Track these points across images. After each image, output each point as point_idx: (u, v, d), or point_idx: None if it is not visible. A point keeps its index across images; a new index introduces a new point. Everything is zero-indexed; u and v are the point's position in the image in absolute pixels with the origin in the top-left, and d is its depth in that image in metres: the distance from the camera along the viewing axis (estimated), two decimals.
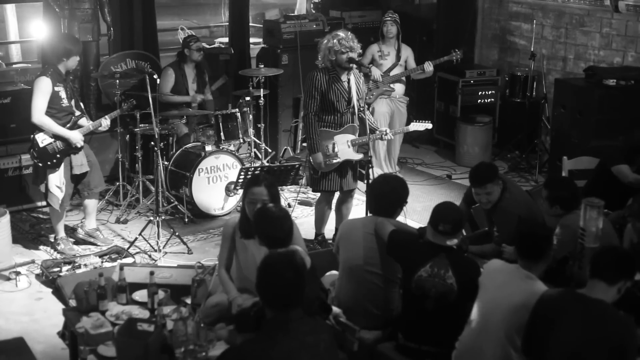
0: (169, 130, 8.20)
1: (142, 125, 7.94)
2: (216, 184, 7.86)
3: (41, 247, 7.20)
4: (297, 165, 7.17)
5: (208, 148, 7.85)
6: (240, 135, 8.13)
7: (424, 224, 6.32)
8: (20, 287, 6.41)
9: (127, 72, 8.50)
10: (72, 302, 5.15)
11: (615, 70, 8.58)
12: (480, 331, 4.28)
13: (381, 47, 8.72)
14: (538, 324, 3.96)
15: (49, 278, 6.41)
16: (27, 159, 7.58)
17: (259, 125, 8.60)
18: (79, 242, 7.22)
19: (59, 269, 6.49)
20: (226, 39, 10.87)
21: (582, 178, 6.63)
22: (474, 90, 9.99)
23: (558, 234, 5.07)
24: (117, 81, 7.92)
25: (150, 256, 6.97)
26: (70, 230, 7.35)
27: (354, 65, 6.61)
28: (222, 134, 7.99)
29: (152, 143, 7.39)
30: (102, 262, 6.64)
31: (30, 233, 7.53)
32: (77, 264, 6.54)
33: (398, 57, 8.71)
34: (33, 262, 6.76)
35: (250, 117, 8.33)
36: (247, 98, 8.40)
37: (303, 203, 8.30)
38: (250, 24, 10.62)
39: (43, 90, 6.67)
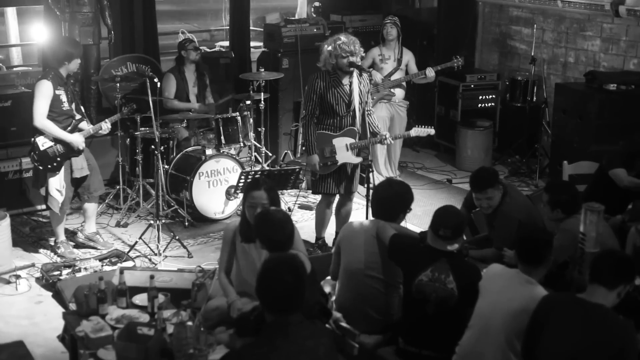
0: (170, 134, 8.20)
1: (143, 128, 7.94)
2: (216, 188, 7.86)
3: (41, 250, 7.20)
4: (297, 169, 7.17)
5: (208, 152, 7.85)
6: (241, 139, 8.13)
7: (424, 228, 6.32)
8: (21, 291, 6.40)
9: (127, 76, 8.51)
10: (72, 306, 5.15)
11: (616, 75, 8.58)
12: (480, 336, 4.28)
13: (382, 51, 8.72)
14: (538, 328, 3.96)
15: (49, 281, 6.41)
16: (27, 162, 7.57)
17: (259, 129, 8.60)
18: (79, 245, 7.22)
19: (59, 272, 6.49)
20: (227, 43, 10.88)
21: (582, 182, 6.63)
22: (475, 95, 9.99)
23: (558, 238, 5.07)
24: (118, 85, 7.92)
25: (150, 260, 6.97)
26: (70, 234, 7.35)
27: (355, 69, 6.60)
28: (222, 137, 7.99)
29: (153, 146, 7.39)
30: (102, 265, 6.65)
31: (30, 236, 7.53)
32: (77, 268, 6.54)
33: (399, 61, 8.72)
34: (33, 265, 6.76)
35: (251, 120, 8.33)
36: (248, 102, 8.40)
37: (303, 207, 8.31)
38: (251, 28, 10.64)
39: (44, 93, 6.67)
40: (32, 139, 6.77)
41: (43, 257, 7.06)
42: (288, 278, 3.57)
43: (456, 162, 9.88)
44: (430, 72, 8.57)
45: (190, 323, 4.35)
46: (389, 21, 8.71)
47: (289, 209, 8.03)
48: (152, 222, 7.25)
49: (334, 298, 5.18)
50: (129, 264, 6.73)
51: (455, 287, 4.50)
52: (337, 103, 6.61)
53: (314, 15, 10.30)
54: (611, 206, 5.55)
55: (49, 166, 6.75)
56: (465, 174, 9.06)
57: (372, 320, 4.99)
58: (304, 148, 7.49)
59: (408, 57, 8.83)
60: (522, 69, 10.00)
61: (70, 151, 6.80)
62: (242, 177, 7.05)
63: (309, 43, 9.24)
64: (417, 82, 8.90)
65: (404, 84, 8.80)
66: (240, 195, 7.47)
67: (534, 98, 9.61)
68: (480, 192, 5.70)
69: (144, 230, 7.22)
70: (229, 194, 7.88)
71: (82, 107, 7.22)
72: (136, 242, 7.11)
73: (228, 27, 10.94)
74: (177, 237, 7.22)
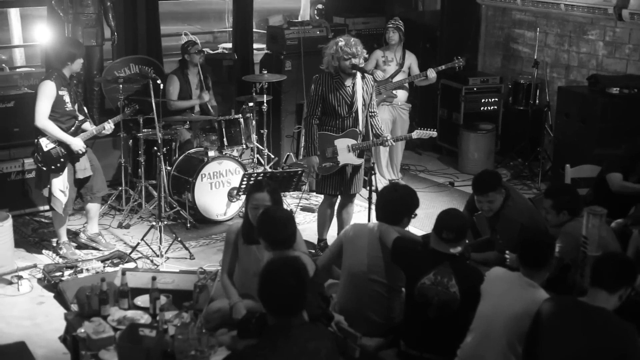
0: (172, 136, 8.21)
1: (145, 130, 7.94)
2: (219, 190, 7.86)
3: (43, 251, 7.19)
4: (299, 172, 7.17)
5: (211, 153, 7.85)
6: (243, 141, 8.14)
7: (426, 231, 6.34)
8: (22, 291, 6.41)
9: (130, 77, 8.51)
10: (74, 307, 5.15)
11: (619, 79, 8.57)
12: (482, 339, 4.28)
13: (385, 53, 8.73)
14: (540, 332, 3.95)
15: (51, 282, 6.42)
16: (29, 163, 7.59)
17: (262, 131, 8.60)
18: (81, 246, 7.22)
19: (61, 273, 6.49)
20: (230, 45, 10.89)
21: (585, 186, 6.63)
22: (477, 98, 9.99)
23: (560, 241, 5.07)
24: (121, 86, 7.93)
25: (152, 261, 6.97)
26: (73, 235, 7.36)
27: (357, 71, 6.60)
28: (225, 139, 7.99)
29: (155, 148, 7.39)
30: (104, 266, 6.65)
31: (32, 237, 7.53)
32: (79, 269, 6.54)
33: (401, 64, 8.72)
34: (35, 266, 6.76)
35: (253, 122, 8.34)
36: (250, 104, 8.41)
37: (305, 209, 8.31)
38: (254, 30, 10.64)
39: (47, 94, 6.68)
40: (36, 140, 6.77)
41: (45, 258, 7.06)
42: (290, 280, 3.57)
43: (458, 165, 9.88)
44: (432, 73, 8.57)
45: (192, 324, 4.35)
46: (391, 25, 8.72)
47: (291, 211, 8.03)
48: (154, 223, 7.26)
49: (334, 300, 5.18)
50: (131, 265, 6.73)
51: (457, 290, 4.49)
52: (340, 105, 6.61)
53: (317, 18, 10.32)
54: (613, 210, 5.55)
55: (53, 167, 6.76)
56: (468, 177, 9.06)
57: (373, 323, 4.99)
58: (304, 150, 7.47)
59: (411, 60, 8.83)
60: (525, 72, 10.00)
61: (73, 152, 6.80)
62: (245, 179, 7.06)
63: (311, 45, 9.25)
64: (418, 83, 8.90)
65: (406, 85, 8.80)
66: (243, 197, 7.48)
67: (537, 101, 9.60)
68: (482, 195, 5.70)
69: (146, 231, 7.23)
70: (231, 196, 7.88)
71: (84, 108, 7.22)
72: (138, 244, 7.12)
73: (231, 29, 10.96)
74: (179, 239, 7.22)
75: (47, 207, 7.33)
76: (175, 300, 5.02)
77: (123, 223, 7.82)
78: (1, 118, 7.89)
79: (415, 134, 7.05)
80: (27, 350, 4.95)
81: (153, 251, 7.10)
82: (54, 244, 7.20)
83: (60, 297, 6.13)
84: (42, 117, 6.68)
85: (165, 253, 7.06)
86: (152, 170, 8.00)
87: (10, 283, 6.50)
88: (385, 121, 8.57)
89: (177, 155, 8.12)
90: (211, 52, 10.34)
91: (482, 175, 5.92)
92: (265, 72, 8.63)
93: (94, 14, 8.61)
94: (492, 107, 10.05)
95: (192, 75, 8.64)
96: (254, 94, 8.47)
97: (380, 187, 7.42)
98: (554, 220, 5.38)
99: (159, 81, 7.28)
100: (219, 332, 4.61)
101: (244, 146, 8.23)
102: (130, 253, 6.98)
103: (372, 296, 5.01)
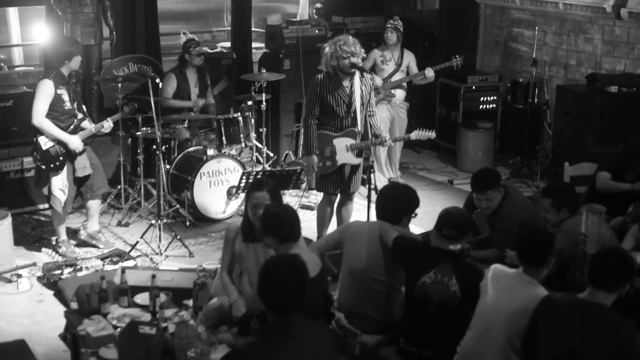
0: (171, 134, 8.21)
1: (144, 128, 7.94)
2: (218, 188, 7.87)
3: (43, 249, 7.20)
4: (298, 170, 7.18)
5: (210, 152, 7.86)
6: (242, 140, 8.14)
7: (425, 229, 6.35)
8: (22, 290, 6.41)
9: (129, 76, 8.51)
10: (74, 305, 5.15)
11: (617, 77, 8.59)
12: (482, 336, 4.29)
13: (383, 53, 8.73)
14: (539, 328, 3.96)
15: (50, 280, 6.42)
16: (29, 161, 7.59)
17: (260, 130, 8.60)
18: (80, 244, 7.23)
19: (60, 271, 6.49)
20: (228, 44, 10.89)
21: (583, 184, 6.64)
22: (476, 96, 9.99)
23: (558, 239, 5.07)
24: (119, 85, 7.93)
25: (151, 259, 6.97)
26: (72, 233, 7.36)
27: (356, 70, 6.60)
28: (223, 138, 7.99)
29: (154, 146, 7.39)
30: (103, 264, 6.65)
31: (31, 235, 7.53)
32: (78, 267, 6.55)
33: (399, 64, 8.72)
34: (34, 264, 6.77)
35: (252, 121, 8.34)
36: (249, 102, 8.41)
37: (304, 207, 8.31)
38: (253, 29, 10.64)
39: (45, 93, 6.68)
40: (35, 139, 6.77)
41: (44, 256, 7.07)
42: (290, 278, 3.58)
43: (457, 164, 9.89)
44: (430, 72, 8.57)
45: (192, 322, 4.35)
46: (389, 25, 8.72)
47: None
48: (153, 221, 7.26)
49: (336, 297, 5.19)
50: (131, 263, 6.74)
51: (457, 289, 4.50)
52: (338, 105, 6.61)
53: (316, 17, 10.31)
54: (612, 208, 5.56)
55: (52, 165, 6.76)
56: (466, 175, 9.07)
57: (373, 320, 4.99)
58: (303, 149, 7.47)
59: (409, 59, 8.83)
60: (523, 70, 10.01)
61: (72, 151, 6.80)
62: (244, 177, 7.06)
63: (310, 44, 9.25)
64: (417, 82, 8.90)
65: (404, 84, 8.81)
66: (242, 196, 7.49)
67: (536, 100, 9.62)
68: (480, 193, 5.71)
69: (145, 229, 7.23)
70: (230, 194, 7.88)
71: (83, 107, 7.22)
72: (137, 242, 7.12)
73: (230, 28, 10.95)
74: (178, 237, 7.22)
75: (46, 206, 7.33)
76: (174, 298, 5.02)
77: (122, 221, 7.83)
78: (0, 117, 7.89)
79: (414, 135, 7.03)
80: (27, 348, 4.95)
81: (152, 249, 7.11)
82: (54, 242, 7.21)
83: (59, 295, 6.14)
84: (39, 115, 6.68)
85: (165, 251, 7.07)
86: (151, 168, 7.99)
87: (10, 281, 6.50)
88: (383, 120, 8.57)
89: (176, 154, 8.12)
90: (210, 51, 10.33)
91: (481, 173, 5.93)
92: (264, 71, 8.63)
93: (93, 13, 8.61)
94: (490, 106, 10.05)
95: (190, 73, 8.64)
96: (252, 92, 8.47)
97: (379, 185, 7.44)
98: (554, 219, 5.39)
99: (157, 80, 7.29)
100: (218, 330, 4.62)
101: (243, 145, 8.23)
102: (130, 251, 6.99)
103: (372, 294, 5.01)
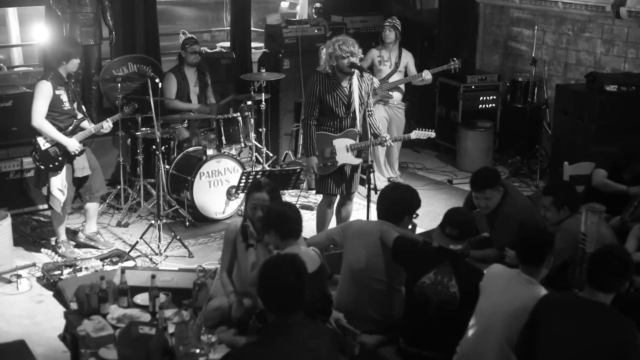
0: (170, 134, 8.21)
1: (144, 128, 7.94)
2: (217, 188, 7.87)
3: (42, 250, 7.20)
4: (298, 170, 7.18)
5: (209, 152, 7.85)
6: (242, 140, 8.14)
7: (424, 228, 6.34)
8: (22, 290, 6.41)
9: (128, 76, 8.51)
10: (74, 305, 5.15)
11: (616, 76, 8.58)
12: (481, 336, 4.28)
13: (381, 53, 8.73)
14: (537, 327, 3.94)
15: (50, 281, 6.42)
16: (28, 162, 7.59)
17: (260, 130, 8.61)
18: (79, 245, 7.23)
19: (60, 272, 6.49)
20: (228, 44, 10.89)
21: (583, 183, 6.63)
22: (475, 96, 9.99)
23: (558, 239, 5.07)
24: (119, 85, 7.93)
25: (151, 260, 6.97)
26: (71, 234, 7.36)
27: (356, 70, 6.60)
28: (223, 138, 8.00)
29: (154, 147, 7.39)
30: (103, 265, 6.65)
31: (31, 236, 7.53)
32: (78, 267, 6.54)
33: (397, 64, 8.72)
34: (34, 265, 6.77)
35: (252, 121, 8.34)
36: (249, 102, 8.40)
37: (304, 207, 8.30)
38: (252, 29, 10.64)
39: (43, 94, 6.68)
40: (34, 139, 6.77)
41: (44, 257, 7.07)
42: (289, 278, 3.58)
43: (457, 163, 9.88)
44: (427, 75, 8.55)
45: (191, 322, 4.35)
46: (387, 24, 8.72)
47: None
48: (153, 222, 7.26)
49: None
50: (130, 263, 6.73)
51: (457, 291, 4.50)
52: (337, 105, 6.61)
53: (315, 16, 10.31)
54: (611, 207, 5.56)
55: (51, 166, 6.76)
56: (466, 175, 9.07)
57: (372, 320, 4.99)
58: (302, 151, 7.47)
59: (407, 59, 8.83)
60: (523, 70, 10.01)
61: (70, 153, 6.80)
62: (243, 177, 7.06)
63: (310, 44, 9.25)
64: (414, 84, 8.89)
65: (401, 86, 8.79)
66: (241, 196, 7.49)
67: (535, 99, 9.62)
68: (479, 192, 5.71)
69: (145, 230, 7.23)
70: (229, 194, 7.88)
71: (83, 107, 7.22)
72: (137, 242, 7.12)
73: (229, 28, 10.95)
74: (178, 237, 7.22)
75: (45, 206, 7.33)
76: (174, 298, 5.02)
77: (122, 222, 7.82)
78: None
79: (414, 135, 7.04)
80: (27, 348, 4.95)
81: (152, 249, 7.11)
82: (53, 243, 7.21)
83: (59, 296, 6.13)
84: (39, 116, 6.68)
85: (164, 251, 7.07)
86: (151, 168, 7.99)
87: (10, 282, 6.50)
88: (382, 120, 8.57)
89: (175, 154, 8.12)
90: (209, 50, 10.33)
91: (481, 172, 5.93)
92: (264, 70, 8.63)
93: (92, 13, 8.60)
94: (490, 105, 10.05)
95: (189, 72, 8.63)
96: (252, 92, 8.47)
97: (379, 185, 7.44)
98: (554, 218, 5.38)
99: (157, 80, 7.28)
100: (218, 330, 4.62)
101: (243, 145, 8.23)
102: (129, 251, 6.98)
103: (372, 294, 5.01)
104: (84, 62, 7.83)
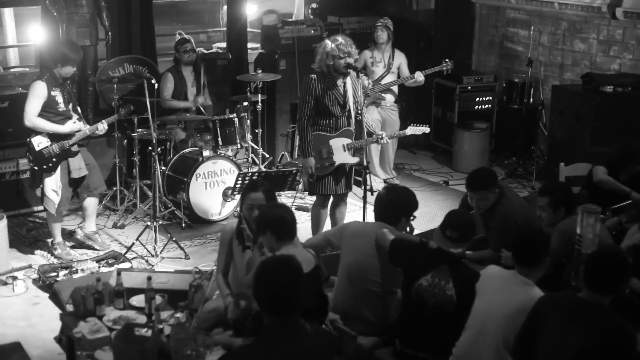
0: (167, 135, 8.20)
1: (140, 130, 7.93)
2: (213, 189, 7.86)
3: (38, 251, 7.19)
4: (294, 171, 7.18)
5: (205, 153, 7.85)
6: (238, 141, 8.14)
7: (420, 230, 6.35)
8: (17, 292, 6.40)
9: (125, 77, 8.50)
10: (69, 307, 5.16)
11: (613, 77, 8.59)
12: (477, 337, 4.28)
13: (373, 54, 8.71)
14: (535, 328, 3.94)
15: (46, 283, 6.41)
16: (24, 163, 7.57)
17: (256, 131, 8.60)
18: (76, 245, 7.22)
19: (56, 273, 6.49)
20: (224, 44, 10.88)
21: (578, 184, 6.64)
22: (472, 97, 9.99)
23: (554, 240, 5.07)
24: (115, 86, 7.92)
25: (147, 261, 6.96)
26: (68, 235, 7.35)
27: (351, 70, 6.60)
28: (219, 139, 7.99)
29: (150, 148, 7.38)
30: (99, 267, 6.65)
31: (27, 237, 7.52)
32: (74, 269, 6.54)
33: (389, 65, 8.71)
34: (30, 266, 6.75)
35: (248, 122, 8.33)
36: (245, 103, 8.41)
37: (300, 208, 8.30)
38: (248, 29, 10.63)
39: (37, 94, 6.67)
40: (28, 140, 6.76)
41: (40, 259, 7.06)
42: (285, 279, 3.57)
43: (453, 164, 9.88)
44: (420, 76, 8.54)
45: (187, 324, 4.35)
46: (379, 24, 8.71)
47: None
48: (149, 223, 7.25)
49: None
50: (126, 265, 6.73)
51: (454, 293, 4.49)
52: (333, 104, 6.61)
53: (311, 17, 10.31)
54: (611, 204, 5.57)
55: (45, 166, 6.75)
56: (462, 176, 9.05)
57: (369, 322, 4.99)
58: (299, 151, 7.48)
59: (400, 60, 8.81)
60: (519, 70, 10.01)
61: (66, 152, 6.79)
62: (239, 178, 7.06)
63: (306, 44, 9.24)
64: (407, 85, 8.88)
65: (393, 89, 8.78)
66: (237, 197, 7.48)
67: (531, 100, 9.62)
68: (474, 192, 5.70)
69: (141, 231, 7.22)
70: (226, 196, 7.88)
71: (78, 108, 7.21)
72: (133, 244, 7.11)
73: (225, 29, 10.95)
74: (174, 239, 7.22)
75: (41, 208, 7.32)
76: (170, 300, 5.03)
77: (118, 223, 7.81)
78: None
79: (409, 130, 7.07)
80: (23, 350, 4.96)
81: (148, 251, 7.10)
82: (49, 245, 7.20)
83: (55, 298, 6.13)
84: (31, 116, 6.66)
85: (160, 253, 7.06)
86: (147, 170, 7.99)
87: (5, 284, 6.49)
88: (375, 122, 8.56)
89: (171, 155, 8.12)
90: (205, 51, 10.33)
91: (478, 172, 5.93)
92: (260, 71, 8.63)
93: (88, 13, 8.59)
94: (486, 106, 10.06)
95: (186, 72, 8.63)
96: (248, 93, 8.47)
97: (374, 186, 7.43)
98: (550, 219, 5.39)
99: (153, 81, 7.28)
100: (214, 332, 4.63)
101: (239, 146, 8.23)
102: (125, 253, 6.98)
103: (368, 296, 5.01)
104: (80, 63, 7.80)
